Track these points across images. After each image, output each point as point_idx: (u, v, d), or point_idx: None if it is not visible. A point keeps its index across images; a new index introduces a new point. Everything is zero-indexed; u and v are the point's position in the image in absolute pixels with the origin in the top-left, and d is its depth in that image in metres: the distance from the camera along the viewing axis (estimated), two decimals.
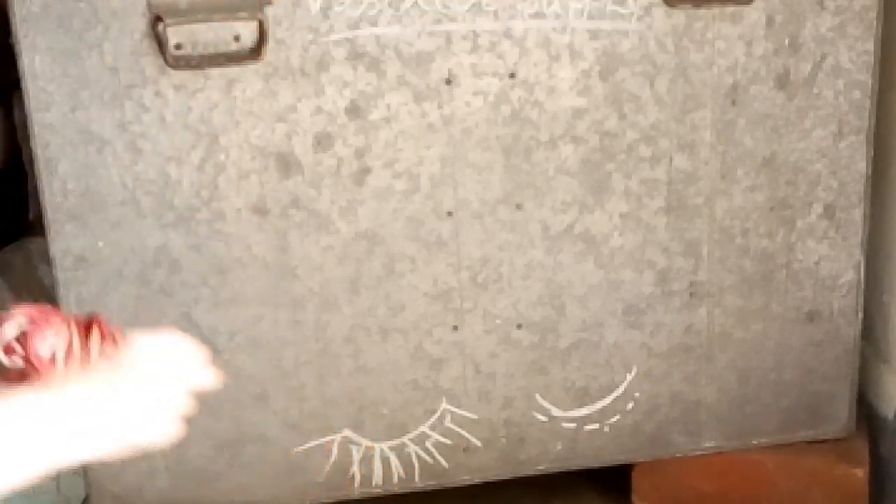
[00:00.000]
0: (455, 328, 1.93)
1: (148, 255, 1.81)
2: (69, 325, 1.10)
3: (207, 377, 1.18)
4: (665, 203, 1.90)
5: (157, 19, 1.66)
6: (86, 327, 1.10)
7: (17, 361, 1.05)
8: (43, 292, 2.44)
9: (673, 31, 1.80)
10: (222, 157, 1.77)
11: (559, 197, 1.87)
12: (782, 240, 1.96)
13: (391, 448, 1.99)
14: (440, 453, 2.01)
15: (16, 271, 2.52)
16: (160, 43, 1.67)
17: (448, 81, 1.78)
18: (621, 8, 1.78)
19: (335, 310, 1.89)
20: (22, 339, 1.08)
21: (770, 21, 1.82)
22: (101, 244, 1.79)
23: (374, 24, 1.73)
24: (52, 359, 1.08)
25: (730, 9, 1.80)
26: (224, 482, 1.96)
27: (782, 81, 1.86)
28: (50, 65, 1.69)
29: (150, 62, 1.70)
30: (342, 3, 1.71)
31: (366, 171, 1.81)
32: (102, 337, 1.11)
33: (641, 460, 2.11)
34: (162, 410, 1.11)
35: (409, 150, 1.81)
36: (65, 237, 1.79)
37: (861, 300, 2.03)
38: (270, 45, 1.71)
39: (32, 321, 1.09)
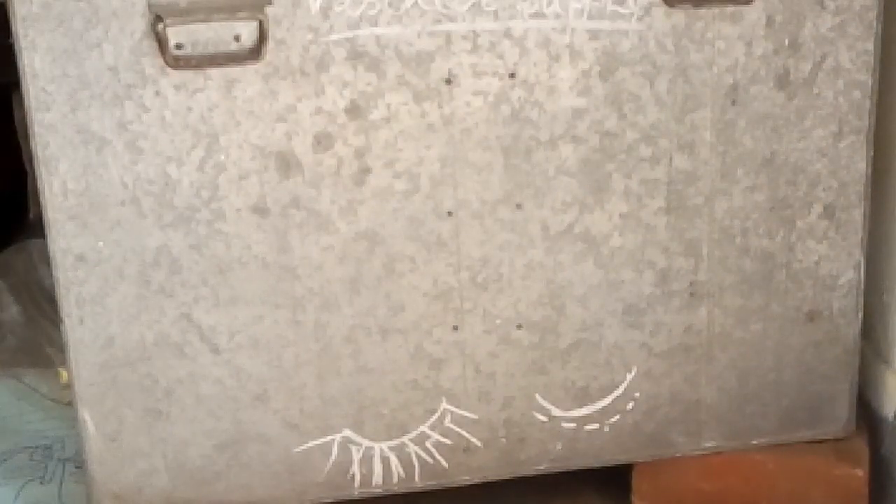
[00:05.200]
0: (455, 328, 1.93)
1: (148, 255, 1.81)
2: None
3: None
4: (665, 203, 1.90)
5: (157, 19, 1.66)
6: None
7: None
8: (43, 292, 2.45)
9: (673, 31, 1.81)
10: (222, 157, 1.77)
11: (559, 197, 1.87)
12: (782, 240, 1.96)
13: (391, 448, 1.99)
14: (440, 453, 2.01)
15: (16, 271, 2.52)
16: (160, 43, 1.67)
17: (448, 81, 1.78)
18: (621, 8, 1.78)
19: (335, 310, 1.89)
20: None
21: (770, 21, 1.82)
22: (101, 244, 1.79)
23: (374, 24, 1.73)
24: None
25: (730, 9, 1.80)
26: (224, 482, 1.96)
27: (782, 81, 1.86)
28: (50, 65, 1.69)
29: (150, 62, 1.70)
30: (342, 3, 1.72)
31: (366, 171, 1.81)
32: None
33: (641, 460, 2.11)
34: None
35: (409, 150, 1.81)
36: (65, 237, 1.79)
37: (861, 300, 2.03)
38: (270, 45, 1.71)
39: None
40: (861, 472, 2.10)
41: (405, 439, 1.99)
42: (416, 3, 1.73)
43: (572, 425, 2.03)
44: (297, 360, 1.90)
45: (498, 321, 1.94)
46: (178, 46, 1.68)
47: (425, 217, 1.85)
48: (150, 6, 1.67)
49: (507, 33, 1.77)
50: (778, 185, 1.92)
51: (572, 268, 1.92)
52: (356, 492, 2.02)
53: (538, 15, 1.77)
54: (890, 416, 2.12)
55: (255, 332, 1.87)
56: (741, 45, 1.83)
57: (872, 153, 1.94)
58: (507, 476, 2.06)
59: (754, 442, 2.09)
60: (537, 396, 2.00)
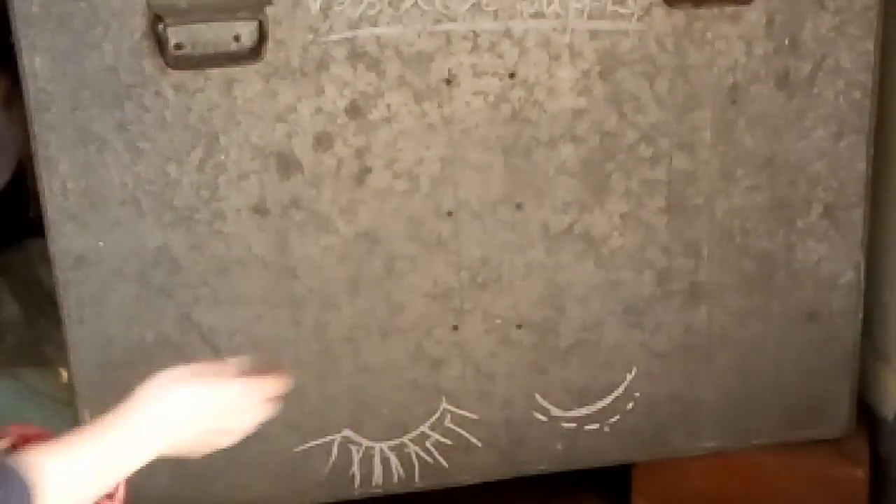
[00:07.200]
0: (455, 328, 1.93)
1: (148, 255, 1.81)
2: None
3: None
4: (665, 203, 1.90)
5: (157, 19, 1.66)
6: None
7: None
8: (43, 292, 2.45)
9: (673, 31, 1.80)
10: (222, 157, 1.77)
11: (559, 197, 1.87)
12: (782, 240, 1.96)
13: (391, 448, 1.99)
14: (440, 453, 2.01)
15: (16, 271, 2.51)
16: (160, 43, 1.67)
17: (448, 81, 1.78)
18: (621, 8, 1.78)
19: (335, 310, 1.89)
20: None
21: (770, 21, 1.82)
22: (101, 244, 1.79)
23: (374, 24, 1.73)
24: None
25: (730, 9, 1.80)
26: (224, 482, 1.96)
27: (782, 81, 1.86)
28: (50, 65, 1.69)
29: (150, 62, 1.70)
30: (342, 3, 1.71)
31: (366, 171, 1.81)
32: None
33: (641, 460, 2.11)
34: None
35: (409, 150, 1.81)
36: (65, 237, 1.78)
37: (861, 300, 2.03)
38: (270, 45, 1.71)
39: (24, 440, 1.14)
40: (861, 473, 2.10)
41: (405, 439, 1.99)
42: (416, 3, 1.73)
43: (572, 425, 2.03)
44: (296, 360, 1.90)
45: (498, 321, 1.94)
46: (178, 46, 1.68)
47: (425, 217, 1.85)
48: (150, 6, 1.67)
49: (507, 33, 1.77)
50: (778, 185, 1.92)
51: (572, 268, 1.92)
52: (356, 492, 2.02)
53: (538, 15, 1.77)
54: (890, 416, 2.12)
55: (255, 332, 1.87)
56: (741, 45, 1.83)
57: (872, 153, 1.94)
58: (507, 476, 2.06)
59: (754, 442, 2.09)
60: (537, 396, 2.00)
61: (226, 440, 1.38)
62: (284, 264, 1.84)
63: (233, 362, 1.39)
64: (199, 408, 1.32)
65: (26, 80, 1.70)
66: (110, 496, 1.26)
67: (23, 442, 1.21)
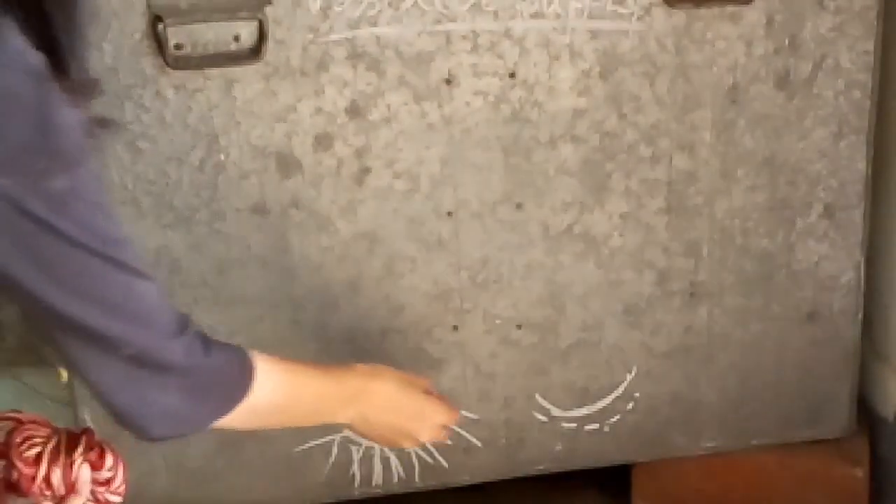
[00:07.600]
0: (455, 328, 1.93)
1: (148, 255, 1.81)
2: (57, 432, 1.12)
3: None
4: (665, 203, 1.90)
5: (157, 19, 1.66)
6: (73, 437, 1.13)
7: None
8: None
9: (673, 31, 1.80)
10: (222, 157, 1.77)
11: (559, 197, 1.87)
12: (782, 240, 1.96)
13: (391, 448, 1.99)
14: (440, 453, 2.01)
15: None
16: (160, 43, 1.67)
17: (448, 81, 1.78)
18: (621, 8, 1.78)
19: (335, 310, 1.89)
20: (7, 440, 1.10)
21: (770, 21, 1.82)
22: None
23: (374, 24, 1.73)
24: (36, 460, 1.11)
25: (730, 9, 1.80)
26: (224, 482, 1.96)
27: (782, 81, 1.86)
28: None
29: (150, 62, 1.70)
30: (342, 3, 1.71)
31: (366, 171, 1.81)
32: (89, 448, 1.14)
33: (641, 460, 2.11)
34: None
35: (409, 150, 1.81)
36: None
37: (861, 300, 2.03)
38: (270, 45, 1.71)
39: (20, 423, 1.13)
40: (861, 473, 2.10)
41: None
42: (416, 3, 1.73)
43: (572, 425, 2.03)
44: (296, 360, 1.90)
45: (498, 321, 1.94)
46: (178, 46, 1.68)
47: (425, 217, 1.85)
48: (150, 6, 1.67)
49: (507, 33, 1.77)
50: (778, 185, 1.92)
51: (572, 268, 1.92)
52: (356, 492, 2.02)
53: (538, 15, 1.77)
54: (890, 416, 2.12)
55: (255, 332, 1.87)
56: (741, 45, 1.83)
57: (872, 153, 1.94)
58: (507, 476, 2.06)
59: (754, 442, 2.09)
60: (537, 396, 2.00)
61: (404, 443, 1.57)
62: (284, 264, 1.84)
63: (432, 384, 1.63)
64: (399, 403, 1.52)
65: None
66: (107, 483, 1.24)
67: (19, 425, 1.19)
